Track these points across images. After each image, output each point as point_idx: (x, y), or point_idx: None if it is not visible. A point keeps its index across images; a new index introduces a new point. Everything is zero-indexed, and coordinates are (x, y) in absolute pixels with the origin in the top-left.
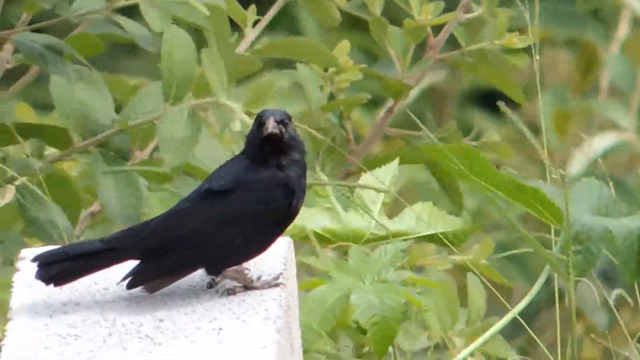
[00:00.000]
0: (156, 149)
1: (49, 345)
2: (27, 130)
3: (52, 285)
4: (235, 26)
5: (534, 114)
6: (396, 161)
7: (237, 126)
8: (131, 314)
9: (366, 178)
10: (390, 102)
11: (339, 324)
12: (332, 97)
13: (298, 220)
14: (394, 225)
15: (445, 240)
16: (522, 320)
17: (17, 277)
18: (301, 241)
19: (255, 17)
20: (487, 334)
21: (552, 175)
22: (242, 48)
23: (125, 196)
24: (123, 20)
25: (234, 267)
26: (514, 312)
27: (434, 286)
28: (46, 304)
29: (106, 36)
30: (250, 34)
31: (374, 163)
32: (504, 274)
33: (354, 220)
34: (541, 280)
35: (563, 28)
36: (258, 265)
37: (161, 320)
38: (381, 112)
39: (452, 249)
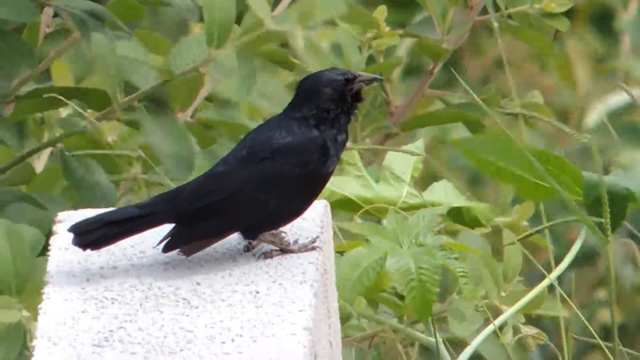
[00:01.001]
0: (199, 109)
1: (86, 309)
2: (67, 93)
3: (89, 250)
4: None
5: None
6: (422, 139)
7: (300, 44)
8: (168, 277)
9: (392, 156)
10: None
11: (376, 290)
12: (370, 60)
13: (328, 187)
14: (426, 196)
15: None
16: (555, 284)
17: (54, 241)
18: (336, 208)
19: None
20: (526, 297)
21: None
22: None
23: (174, 140)
24: None
25: (271, 231)
26: (551, 276)
27: (471, 252)
28: (83, 267)
29: (146, 1)
30: None
31: (412, 124)
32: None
33: (386, 190)
34: (577, 245)
35: None
36: (295, 229)
37: (198, 284)
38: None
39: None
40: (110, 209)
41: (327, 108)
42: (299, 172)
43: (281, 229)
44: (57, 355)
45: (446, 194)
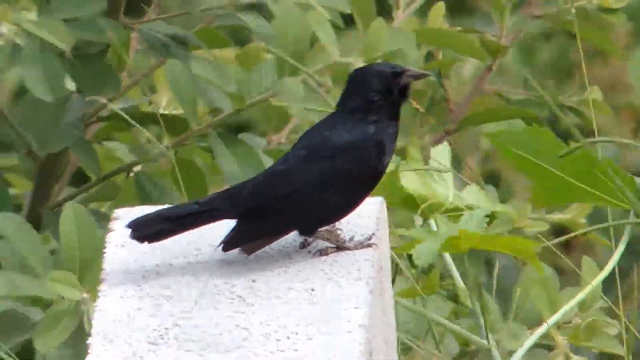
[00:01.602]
0: (292, 131)
1: (141, 306)
2: (150, 120)
3: (146, 243)
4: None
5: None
6: (446, 142)
7: None
8: (223, 274)
9: (435, 153)
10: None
11: (427, 290)
12: (429, 56)
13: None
14: (467, 199)
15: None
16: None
17: (110, 238)
18: (392, 206)
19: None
20: (570, 304)
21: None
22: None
23: (247, 166)
24: (245, 15)
25: (327, 228)
26: (599, 278)
27: (531, 244)
28: (139, 264)
29: (229, 28)
30: (401, 15)
31: (471, 121)
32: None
33: (438, 187)
34: (622, 245)
35: None
36: (350, 226)
37: (253, 281)
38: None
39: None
40: (168, 206)
41: (373, 99)
42: (358, 169)
43: (337, 225)
44: (112, 353)
45: (477, 197)
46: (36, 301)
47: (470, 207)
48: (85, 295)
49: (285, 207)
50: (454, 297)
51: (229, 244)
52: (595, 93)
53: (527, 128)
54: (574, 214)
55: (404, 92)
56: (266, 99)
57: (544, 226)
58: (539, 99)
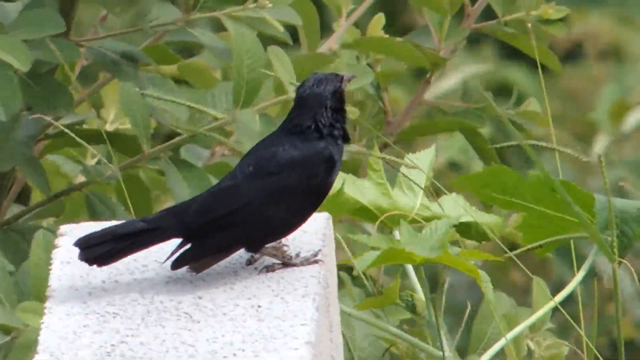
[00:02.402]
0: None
1: (87, 324)
2: (97, 137)
3: (95, 266)
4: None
5: (574, 81)
6: (434, 146)
7: None
8: (170, 291)
9: (408, 159)
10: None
11: (386, 300)
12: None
13: (350, 192)
14: (436, 208)
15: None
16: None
17: (55, 254)
18: (351, 215)
19: (351, 7)
20: (531, 319)
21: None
22: (334, 38)
23: (197, 189)
24: (197, 31)
25: (273, 244)
26: (557, 299)
27: (489, 258)
28: (85, 281)
29: (179, 44)
30: (344, 23)
31: (410, 134)
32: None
33: (401, 198)
34: (587, 264)
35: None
36: (297, 242)
37: (200, 298)
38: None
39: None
40: (115, 222)
41: (332, 113)
42: (306, 185)
43: (283, 242)
44: None
45: (455, 207)
46: None
47: (446, 217)
48: None
49: (232, 223)
50: (412, 308)
51: (177, 262)
52: (533, 105)
53: (487, 169)
54: (512, 227)
55: (342, 98)
56: (220, 127)
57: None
58: (477, 110)
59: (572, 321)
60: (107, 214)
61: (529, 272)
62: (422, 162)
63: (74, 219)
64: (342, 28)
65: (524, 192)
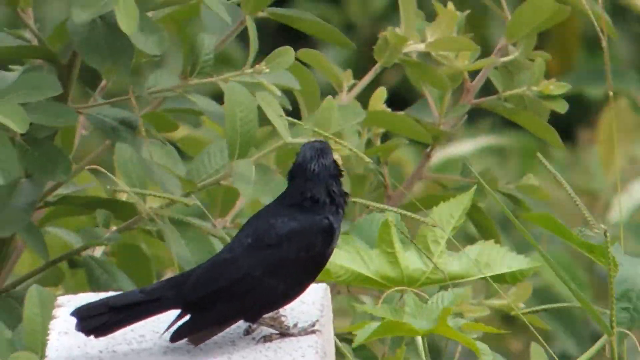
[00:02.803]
0: (238, 215)
1: None
2: (94, 202)
3: (92, 337)
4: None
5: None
6: (471, 192)
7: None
8: None
9: (437, 211)
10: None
11: None
12: (369, 142)
13: (355, 266)
14: (452, 265)
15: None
16: None
17: (53, 325)
18: (354, 284)
19: (352, 81)
20: None
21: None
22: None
23: (197, 249)
24: (195, 97)
25: (270, 314)
26: None
27: (492, 331)
28: (82, 351)
29: (178, 111)
30: (345, 97)
31: (410, 208)
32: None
33: (412, 262)
34: (597, 346)
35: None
36: (294, 312)
37: None
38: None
39: (495, 292)
40: (113, 293)
41: (328, 182)
42: (305, 255)
43: (281, 312)
44: None
45: (478, 260)
46: None
47: (458, 277)
48: None
49: (232, 295)
50: None
51: (176, 335)
52: (531, 180)
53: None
54: (513, 298)
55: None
56: (217, 182)
57: (485, 311)
58: (477, 185)
59: None
60: (105, 278)
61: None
62: (454, 208)
63: (74, 288)
64: (344, 101)
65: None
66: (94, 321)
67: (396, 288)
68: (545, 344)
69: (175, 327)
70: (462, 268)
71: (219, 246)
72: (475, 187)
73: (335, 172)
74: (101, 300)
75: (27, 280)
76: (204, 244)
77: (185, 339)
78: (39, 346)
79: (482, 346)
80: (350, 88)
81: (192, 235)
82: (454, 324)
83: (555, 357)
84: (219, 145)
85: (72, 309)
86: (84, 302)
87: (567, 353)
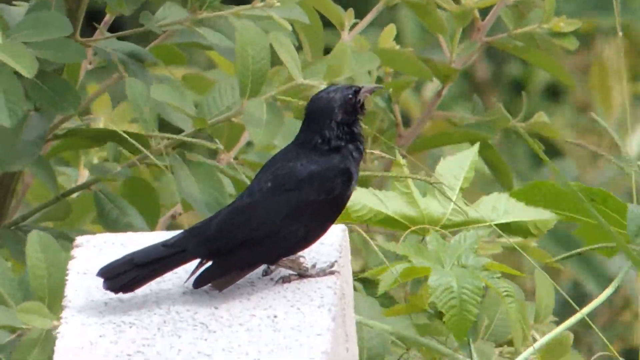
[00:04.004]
0: (241, 151)
1: (103, 333)
2: (104, 135)
3: (121, 293)
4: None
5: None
6: (476, 146)
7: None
8: (186, 302)
9: (445, 163)
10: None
11: (414, 308)
12: (379, 80)
13: (374, 204)
14: (471, 213)
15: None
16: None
17: (71, 265)
18: (374, 225)
19: (353, 20)
20: (555, 331)
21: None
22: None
23: (207, 187)
24: (204, 30)
25: (290, 256)
26: (583, 312)
27: (515, 273)
28: (101, 292)
29: (187, 45)
30: (347, 36)
31: (421, 146)
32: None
33: (431, 206)
34: (616, 282)
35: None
36: (313, 253)
37: (216, 308)
38: (427, 94)
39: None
40: (130, 234)
41: (342, 125)
42: (324, 198)
43: (299, 253)
44: None
45: (495, 207)
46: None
47: (478, 222)
48: (56, 323)
49: (254, 241)
50: (439, 315)
51: (199, 281)
52: (542, 117)
53: (528, 185)
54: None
55: (362, 109)
56: (228, 119)
57: (497, 249)
58: (488, 122)
59: (591, 323)
60: (116, 213)
61: (537, 266)
62: (462, 162)
63: (82, 221)
64: (345, 39)
65: (563, 203)
66: (120, 279)
67: (418, 226)
68: (554, 283)
69: (198, 274)
70: (481, 214)
71: (227, 182)
72: (479, 144)
73: (354, 114)
74: (125, 257)
75: (36, 214)
76: (213, 182)
77: (209, 285)
78: (45, 291)
79: (506, 285)
80: (353, 25)
81: (201, 172)
82: (476, 263)
83: (564, 294)
84: (230, 81)
85: (91, 248)
86: (102, 242)
87: (583, 291)
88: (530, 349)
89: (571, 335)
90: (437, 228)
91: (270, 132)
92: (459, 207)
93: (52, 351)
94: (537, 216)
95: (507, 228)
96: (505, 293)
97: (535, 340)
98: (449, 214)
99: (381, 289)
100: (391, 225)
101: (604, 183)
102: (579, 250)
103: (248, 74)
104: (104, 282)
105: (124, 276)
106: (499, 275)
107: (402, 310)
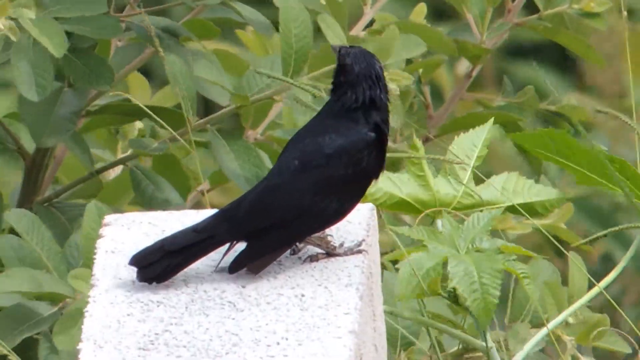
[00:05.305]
0: (269, 127)
1: (131, 312)
2: (138, 111)
3: (155, 283)
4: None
5: (612, 79)
6: (490, 121)
7: None
8: (214, 281)
9: (458, 141)
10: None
11: (430, 293)
12: (409, 61)
13: (387, 187)
14: (484, 190)
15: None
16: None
17: (100, 244)
18: (388, 209)
19: None
20: (574, 306)
21: None
22: (359, 27)
23: (246, 162)
24: (238, 5)
25: (317, 234)
26: (601, 285)
27: (530, 255)
28: (129, 270)
29: (221, 20)
30: (369, 12)
31: (451, 127)
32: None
33: (443, 187)
34: (630, 252)
35: None
36: (341, 232)
37: (243, 287)
38: (459, 74)
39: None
40: (160, 213)
41: (371, 93)
42: (353, 173)
43: (327, 232)
44: (102, 358)
45: (505, 188)
46: (43, 297)
47: (488, 203)
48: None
49: (287, 221)
50: (453, 298)
51: (234, 265)
52: (571, 99)
53: (545, 130)
54: (555, 219)
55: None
56: (269, 97)
57: (527, 228)
58: (518, 104)
59: (614, 303)
60: (151, 189)
61: (565, 252)
62: (476, 139)
63: (118, 196)
64: (367, 16)
65: (579, 158)
66: (153, 269)
67: (431, 209)
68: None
69: (233, 258)
70: (491, 196)
71: (265, 158)
72: (492, 120)
73: (382, 79)
74: (156, 244)
75: (68, 190)
76: (252, 157)
77: (245, 269)
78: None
79: (522, 266)
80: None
81: (240, 147)
82: (491, 245)
83: (592, 279)
84: (270, 59)
85: (119, 227)
86: (130, 221)
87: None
88: (561, 315)
89: (607, 318)
90: (450, 209)
91: (310, 115)
92: (470, 190)
93: None
94: (547, 196)
95: (516, 208)
96: (522, 274)
97: (567, 323)
98: (460, 196)
99: (400, 290)
100: (404, 209)
101: (632, 160)
102: (605, 231)
103: (291, 52)
104: (138, 272)
105: (156, 265)
106: (515, 257)
107: (418, 294)
